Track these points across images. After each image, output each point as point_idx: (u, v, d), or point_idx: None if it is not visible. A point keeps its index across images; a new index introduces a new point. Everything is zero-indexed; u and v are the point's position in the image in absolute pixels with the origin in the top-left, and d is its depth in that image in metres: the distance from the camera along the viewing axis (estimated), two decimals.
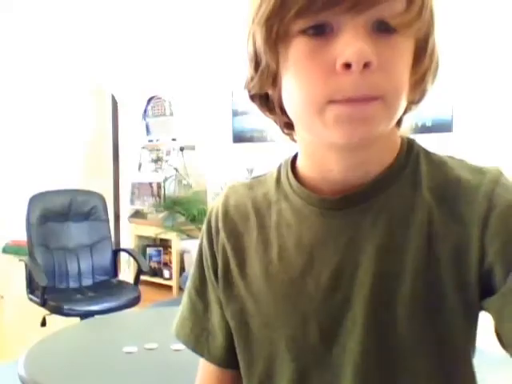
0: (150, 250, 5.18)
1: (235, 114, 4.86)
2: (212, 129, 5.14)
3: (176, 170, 4.84)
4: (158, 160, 5.13)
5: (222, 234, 0.65)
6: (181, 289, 4.28)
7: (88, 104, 6.37)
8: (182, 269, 4.64)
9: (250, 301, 0.61)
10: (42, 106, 6.76)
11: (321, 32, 0.49)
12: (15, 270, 4.75)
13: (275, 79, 0.55)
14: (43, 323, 3.08)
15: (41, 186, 6.00)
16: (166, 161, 4.97)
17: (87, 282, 3.32)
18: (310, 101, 0.51)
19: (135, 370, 0.92)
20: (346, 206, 0.57)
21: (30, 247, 3.20)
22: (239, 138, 4.85)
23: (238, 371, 0.66)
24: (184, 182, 4.88)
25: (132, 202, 5.29)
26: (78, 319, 2.88)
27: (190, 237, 4.65)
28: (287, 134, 0.63)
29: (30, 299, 3.10)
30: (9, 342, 3.68)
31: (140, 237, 5.21)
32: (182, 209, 4.66)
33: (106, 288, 3.29)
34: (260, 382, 0.62)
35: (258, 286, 0.61)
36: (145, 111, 5.28)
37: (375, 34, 0.49)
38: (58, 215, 3.33)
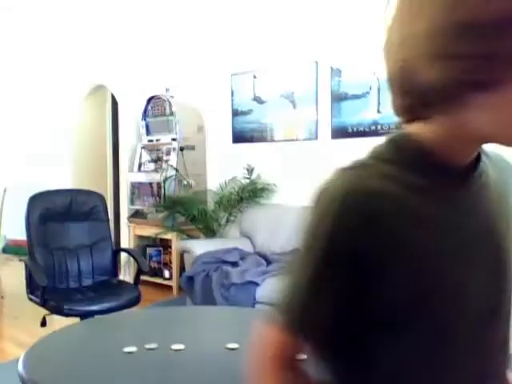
0: (149, 250, 5.18)
1: (235, 113, 4.86)
2: (212, 129, 5.14)
3: (176, 169, 4.84)
4: (157, 160, 5.12)
5: (377, 221, 0.60)
6: (181, 289, 4.27)
7: (88, 104, 6.37)
8: (182, 269, 4.64)
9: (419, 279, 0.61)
10: (42, 105, 6.76)
11: None
12: (15, 270, 4.75)
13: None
14: (43, 323, 3.07)
15: (41, 185, 5.97)
16: (166, 161, 4.97)
17: (87, 281, 3.32)
18: None
19: (135, 370, 0.92)
20: (471, 174, 0.65)
21: (30, 247, 3.19)
22: (239, 138, 4.85)
23: None
24: (184, 182, 4.87)
25: (132, 202, 5.28)
26: (78, 319, 2.88)
27: (190, 237, 4.65)
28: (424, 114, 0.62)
29: (30, 299, 3.09)
30: (9, 341, 3.68)
31: (140, 237, 5.21)
32: (182, 209, 4.66)
33: (106, 288, 3.28)
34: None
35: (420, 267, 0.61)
36: (145, 111, 5.28)
37: None
38: (58, 215, 3.32)
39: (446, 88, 0.55)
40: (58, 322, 3.02)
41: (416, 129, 0.63)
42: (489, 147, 0.67)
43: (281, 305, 0.67)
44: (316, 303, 0.64)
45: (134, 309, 3.10)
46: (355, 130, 3.99)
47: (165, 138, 5.12)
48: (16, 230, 5.58)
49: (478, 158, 0.65)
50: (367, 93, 3.93)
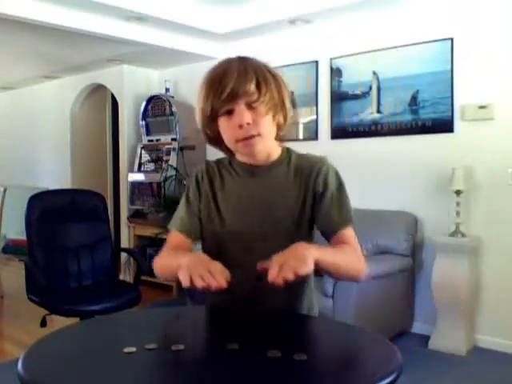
0: (149, 250, 5.18)
1: None
2: None
3: (176, 169, 4.84)
4: (158, 160, 5.13)
5: (204, 182, 1.33)
6: (181, 289, 4.27)
7: (88, 104, 6.37)
8: None
9: (216, 213, 1.29)
10: (43, 105, 6.77)
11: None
12: (15, 270, 4.75)
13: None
14: (43, 323, 3.07)
15: (41, 185, 5.98)
16: (166, 161, 4.97)
17: (87, 281, 3.31)
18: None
19: (135, 370, 0.92)
20: (260, 172, 1.28)
21: (30, 247, 3.19)
22: None
23: (191, 240, 1.29)
24: (184, 181, 4.87)
25: (132, 201, 5.28)
26: (78, 319, 2.88)
27: None
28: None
29: (30, 299, 3.09)
30: (9, 341, 3.68)
31: (140, 237, 5.22)
32: None
33: (106, 288, 3.29)
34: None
35: (222, 207, 1.29)
36: (145, 111, 5.28)
37: None
38: (57, 215, 3.32)
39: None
40: (58, 321, 3.02)
41: None
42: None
43: None
44: (188, 216, 1.36)
45: (134, 309, 3.10)
46: (355, 129, 3.99)
47: (165, 138, 5.12)
48: (16, 229, 5.58)
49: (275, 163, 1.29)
50: (367, 93, 3.93)
